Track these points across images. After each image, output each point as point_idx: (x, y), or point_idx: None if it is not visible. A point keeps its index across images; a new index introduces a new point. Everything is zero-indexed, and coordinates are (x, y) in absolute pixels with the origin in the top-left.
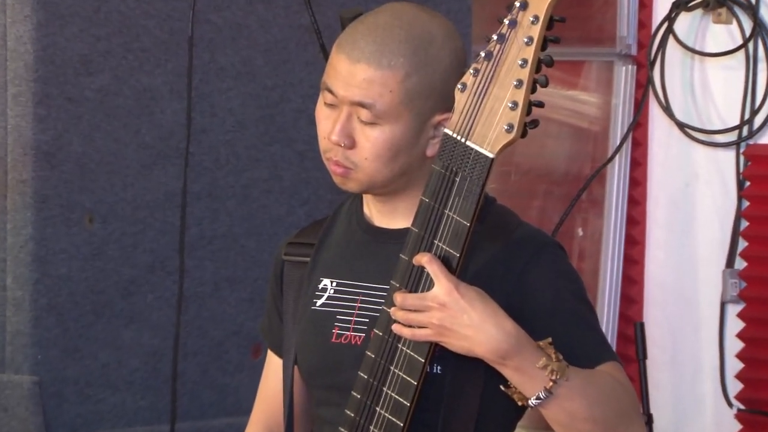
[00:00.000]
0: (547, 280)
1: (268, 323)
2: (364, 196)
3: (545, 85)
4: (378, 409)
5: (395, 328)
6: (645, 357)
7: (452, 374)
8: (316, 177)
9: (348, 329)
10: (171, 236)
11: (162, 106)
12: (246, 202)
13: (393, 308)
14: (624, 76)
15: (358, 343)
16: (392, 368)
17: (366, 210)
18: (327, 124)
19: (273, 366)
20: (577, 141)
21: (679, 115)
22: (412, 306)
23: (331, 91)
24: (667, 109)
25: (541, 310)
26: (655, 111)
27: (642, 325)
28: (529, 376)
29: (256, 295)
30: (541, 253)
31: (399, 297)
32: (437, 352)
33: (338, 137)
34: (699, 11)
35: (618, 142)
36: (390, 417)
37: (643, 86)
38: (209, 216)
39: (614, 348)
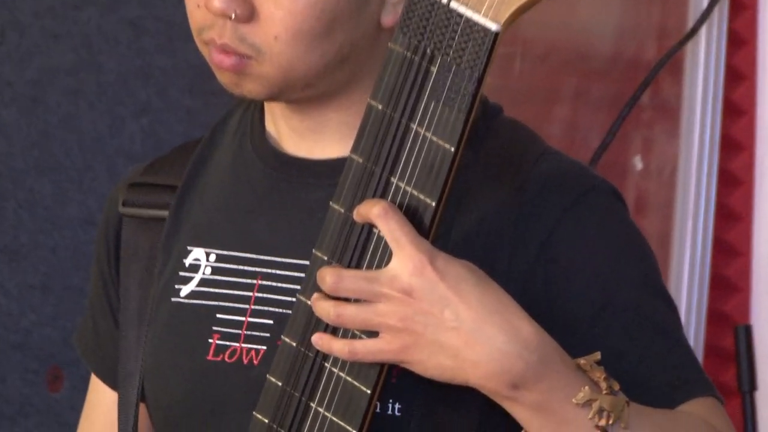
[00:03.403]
0: (593, 251)
1: (92, 330)
2: (269, 105)
3: None
4: None
5: (318, 338)
6: (753, 387)
7: (421, 417)
8: (163, 66)
9: (237, 338)
10: None
11: None
12: (36, 113)
13: (316, 297)
14: None
15: (255, 361)
16: (314, 406)
17: (271, 128)
18: None
19: (101, 403)
20: None
21: None
22: (353, 292)
23: None
24: None
25: (581, 305)
26: None
27: (748, 330)
28: (560, 419)
29: (54, 279)
30: (581, 205)
31: (329, 276)
32: (395, 376)
33: (223, 3)
34: None
35: (707, 1)
36: None
37: None
38: None
39: None
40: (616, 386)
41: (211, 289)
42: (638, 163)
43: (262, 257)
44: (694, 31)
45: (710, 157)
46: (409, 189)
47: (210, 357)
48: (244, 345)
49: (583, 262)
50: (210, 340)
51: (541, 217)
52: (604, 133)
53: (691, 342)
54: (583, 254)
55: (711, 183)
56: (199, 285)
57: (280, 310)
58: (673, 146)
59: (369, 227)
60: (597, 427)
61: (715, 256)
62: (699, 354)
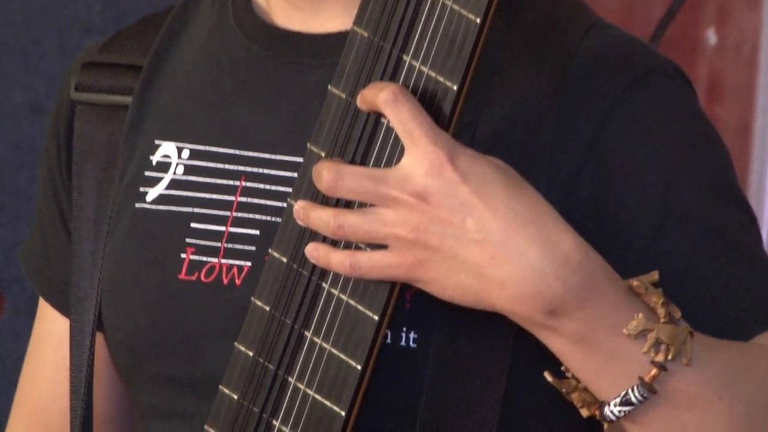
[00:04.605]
0: (654, 149)
1: (39, 243)
2: None
3: None
4: (277, 424)
5: (313, 250)
6: None
7: (441, 350)
8: None
9: (215, 252)
10: None
11: None
12: None
13: (306, 206)
14: None
15: (238, 281)
16: (309, 335)
17: None
18: None
19: (51, 333)
20: None
21: None
22: (355, 193)
23: None
24: None
25: (638, 215)
26: None
27: None
28: (607, 353)
29: None
30: (639, 91)
31: (327, 171)
32: (408, 300)
33: None
34: None
35: None
36: None
37: None
38: None
39: None
40: (677, 313)
41: (184, 193)
42: (711, 38)
43: (246, 153)
44: None
45: None
46: (425, 69)
47: (182, 276)
48: (224, 261)
49: (640, 162)
50: (183, 255)
51: (590, 105)
52: (669, 0)
53: None
54: (641, 152)
55: None
56: (169, 187)
57: (269, 218)
58: (754, 16)
59: (376, 117)
60: (653, 363)
61: None
62: None
